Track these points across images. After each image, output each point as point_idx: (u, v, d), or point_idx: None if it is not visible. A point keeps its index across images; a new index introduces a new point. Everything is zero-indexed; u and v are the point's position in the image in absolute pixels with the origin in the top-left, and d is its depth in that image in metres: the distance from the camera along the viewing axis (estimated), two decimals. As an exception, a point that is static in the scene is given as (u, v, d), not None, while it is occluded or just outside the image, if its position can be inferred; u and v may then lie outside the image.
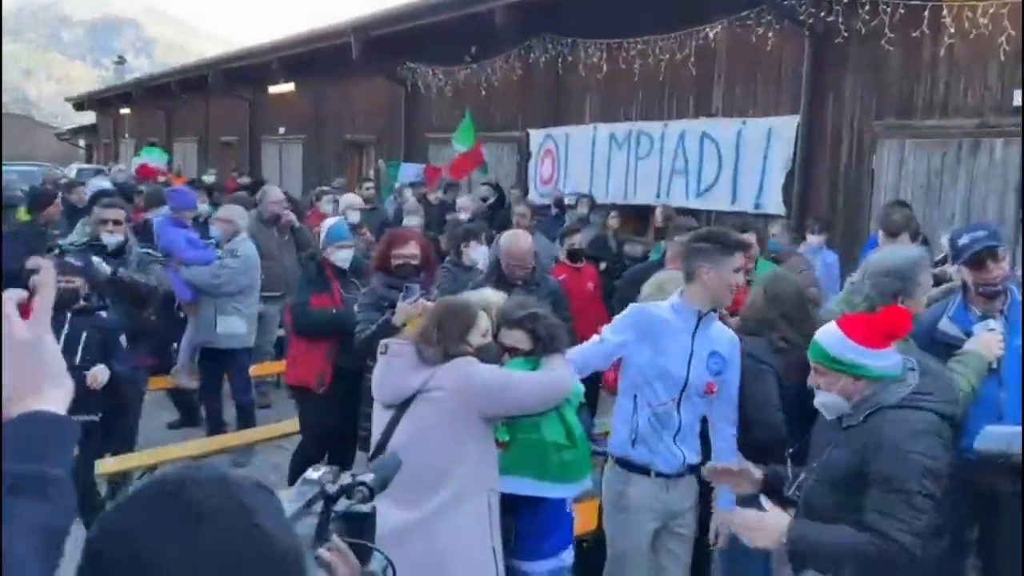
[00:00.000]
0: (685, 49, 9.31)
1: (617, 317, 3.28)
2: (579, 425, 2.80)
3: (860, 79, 8.00)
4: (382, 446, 2.63)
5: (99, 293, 4.46)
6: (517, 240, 4.74)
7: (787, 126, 8.59)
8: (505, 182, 12.17)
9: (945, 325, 3.27)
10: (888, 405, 2.29)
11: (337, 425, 4.63)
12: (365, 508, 1.48)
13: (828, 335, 2.38)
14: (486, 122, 12.74)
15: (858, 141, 8.10)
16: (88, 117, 33.15)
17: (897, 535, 2.16)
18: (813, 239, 6.80)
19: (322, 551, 1.36)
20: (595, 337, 3.24)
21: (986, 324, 3.17)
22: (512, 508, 2.76)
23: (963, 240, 3.27)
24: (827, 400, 2.41)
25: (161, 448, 5.26)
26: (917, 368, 2.37)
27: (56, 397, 1.07)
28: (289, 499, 1.39)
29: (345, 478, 1.49)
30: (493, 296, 3.07)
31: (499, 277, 4.54)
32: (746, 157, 8.90)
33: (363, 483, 1.47)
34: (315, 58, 15.52)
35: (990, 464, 2.93)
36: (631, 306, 3.32)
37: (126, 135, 28.33)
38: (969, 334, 3.15)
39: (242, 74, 18.61)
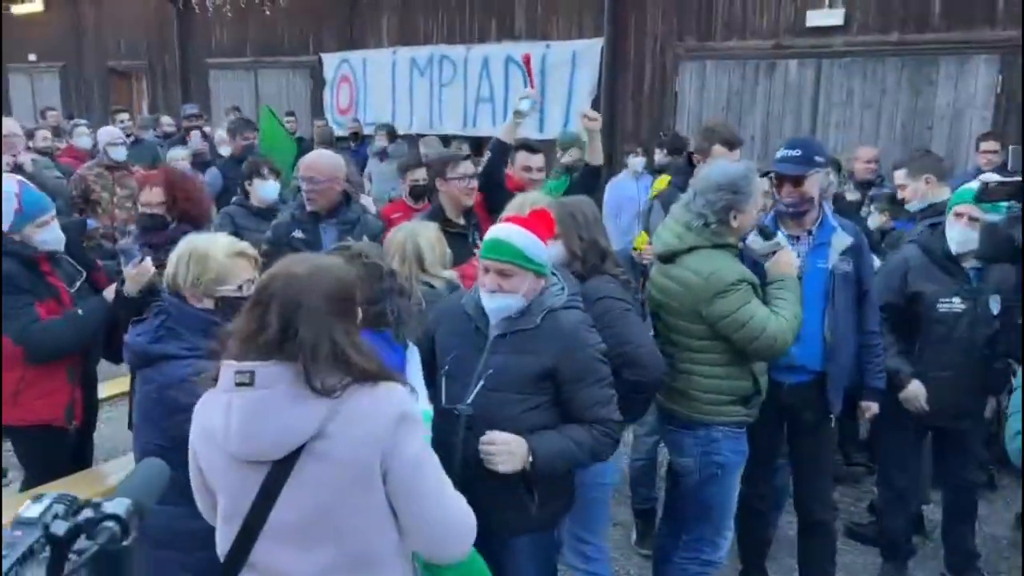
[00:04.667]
0: (483, -35, 8.90)
1: None
2: None
3: (661, 0, 7.94)
4: (252, 530, 1.69)
5: None
6: (318, 156, 3.92)
7: (591, 49, 8.45)
8: (299, 111, 11.26)
9: (752, 240, 3.04)
10: (557, 308, 2.40)
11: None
12: (125, 541, 1.09)
13: (521, 235, 2.35)
14: (274, 46, 11.67)
15: (661, 63, 8.10)
16: None
17: (613, 414, 2.41)
18: (635, 161, 6.57)
19: None
20: None
21: (775, 244, 3.04)
22: None
23: (779, 152, 3.14)
24: (509, 303, 2.36)
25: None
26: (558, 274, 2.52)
27: None
28: None
29: (85, 510, 1.07)
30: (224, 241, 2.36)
31: (303, 212, 3.84)
32: (552, 82, 8.71)
33: (112, 516, 1.07)
34: (65, -29, 13.58)
35: (798, 397, 3.17)
36: None
37: None
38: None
39: (-25, -9, 15.99)
